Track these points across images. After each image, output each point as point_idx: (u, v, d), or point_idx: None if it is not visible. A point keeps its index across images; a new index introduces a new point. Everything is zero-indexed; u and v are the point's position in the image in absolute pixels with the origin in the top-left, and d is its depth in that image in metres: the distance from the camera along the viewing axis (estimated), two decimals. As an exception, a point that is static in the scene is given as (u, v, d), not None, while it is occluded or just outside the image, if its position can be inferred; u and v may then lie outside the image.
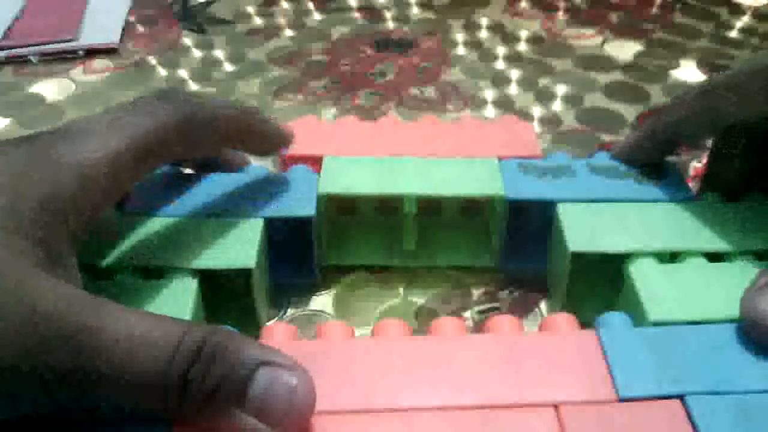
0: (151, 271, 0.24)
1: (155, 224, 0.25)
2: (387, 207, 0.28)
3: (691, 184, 0.35)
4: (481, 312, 0.28)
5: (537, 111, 0.40)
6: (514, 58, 0.46)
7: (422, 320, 0.28)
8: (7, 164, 0.19)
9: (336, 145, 0.30)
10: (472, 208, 0.29)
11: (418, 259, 0.29)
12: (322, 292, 0.29)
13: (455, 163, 0.28)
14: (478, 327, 0.27)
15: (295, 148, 0.29)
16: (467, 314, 0.28)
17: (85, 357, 0.17)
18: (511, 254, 0.28)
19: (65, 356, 0.16)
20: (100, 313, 0.17)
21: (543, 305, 0.28)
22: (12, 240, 0.17)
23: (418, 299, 0.29)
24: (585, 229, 0.25)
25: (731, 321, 0.22)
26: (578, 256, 0.24)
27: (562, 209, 0.26)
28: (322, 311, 0.28)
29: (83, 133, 0.21)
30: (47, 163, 0.19)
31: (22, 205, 0.18)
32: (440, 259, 0.29)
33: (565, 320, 0.22)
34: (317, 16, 0.51)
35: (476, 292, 0.29)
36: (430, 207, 0.29)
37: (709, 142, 0.37)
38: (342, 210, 0.28)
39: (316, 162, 0.29)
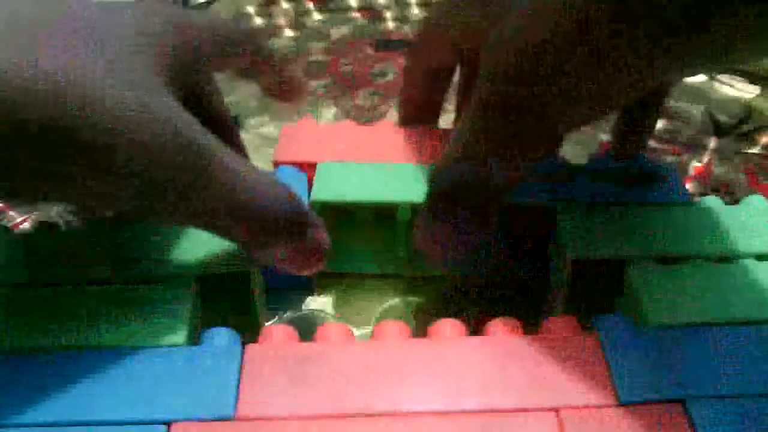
0: (149, 278, 0.23)
1: (149, 232, 0.25)
2: (382, 214, 0.28)
3: (691, 184, 0.35)
4: (480, 312, 0.28)
5: (537, 111, 0.40)
6: (514, 58, 0.45)
7: (422, 319, 0.28)
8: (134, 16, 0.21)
9: (330, 150, 0.29)
10: None
11: (413, 267, 0.29)
12: (322, 291, 0.29)
13: None
14: (478, 327, 0.27)
15: (289, 154, 0.29)
16: (467, 314, 0.28)
17: (220, 184, 0.20)
18: (510, 260, 0.28)
19: (203, 180, 0.20)
20: (231, 154, 0.21)
21: (543, 306, 0.28)
22: (156, 72, 0.20)
23: (418, 299, 0.29)
24: (584, 234, 0.25)
25: (732, 324, 0.22)
26: (578, 262, 0.24)
27: (561, 214, 0.26)
28: (321, 311, 0.28)
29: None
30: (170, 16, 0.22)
31: (159, 49, 0.21)
32: (436, 267, 0.29)
33: (565, 323, 0.22)
34: (317, 16, 0.51)
35: (476, 292, 0.29)
36: None
37: (710, 142, 0.37)
38: (336, 216, 0.28)
39: (310, 168, 0.29)
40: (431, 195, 0.23)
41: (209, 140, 0.21)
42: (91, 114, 0.18)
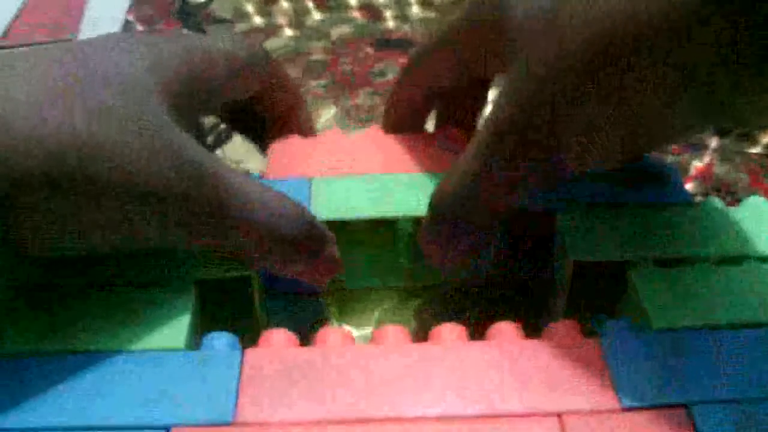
0: (149, 282, 0.23)
1: None
2: (380, 225, 0.27)
3: (692, 184, 0.35)
4: (481, 312, 0.28)
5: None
6: (515, 58, 0.45)
7: (422, 320, 0.28)
8: (149, 42, 0.22)
9: (322, 163, 0.28)
10: None
11: (414, 278, 0.29)
12: (322, 292, 0.29)
13: None
14: (478, 328, 0.27)
15: (280, 170, 0.28)
16: (467, 314, 0.28)
17: (222, 197, 0.21)
18: (511, 265, 0.28)
19: (205, 194, 0.21)
20: (232, 170, 0.22)
21: (544, 308, 0.28)
22: (160, 101, 0.21)
23: (418, 299, 0.29)
24: (586, 237, 0.25)
25: (736, 327, 0.21)
26: (579, 265, 0.24)
27: (561, 217, 0.25)
28: (321, 312, 0.28)
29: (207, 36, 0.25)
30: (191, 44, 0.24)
31: (169, 77, 0.22)
32: (437, 276, 0.29)
33: (567, 327, 0.22)
34: (317, 15, 0.51)
35: (477, 292, 0.29)
36: None
37: (711, 142, 0.37)
38: (332, 230, 0.26)
39: None
40: (434, 214, 0.24)
41: (219, 166, 0.21)
42: (99, 161, 0.19)
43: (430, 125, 0.31)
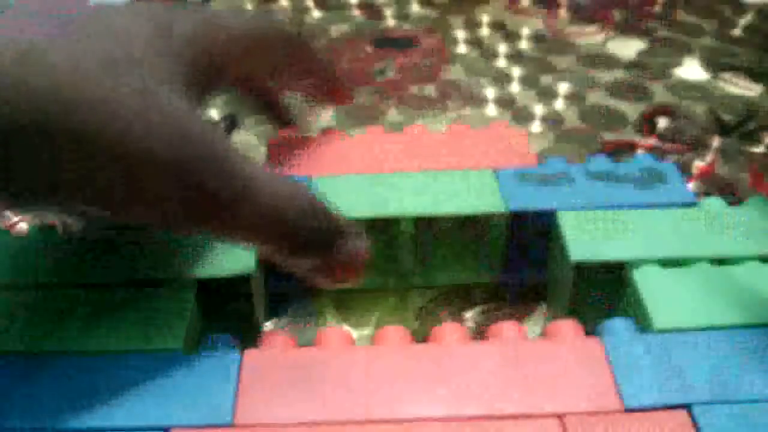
0: (149, 282, 0.23)
1: (150, 235, 0.25)
2: (380, 225, 0.27)
3: (694, 184, 0.35)
4: (482, 312, 0.28)
5: (538, 109, 0.40)
6: (515, 56, 0.45)
7: (423, 320, 0.28)
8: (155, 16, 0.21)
9: (322, 162, 0.28)
10: (470, 222, 0.28)
11: (414, 278, 0.29)
12: (322, 292, 0.29)
13: (451, 178, 0.27)
14: (479, 327, 0.27)
15: (278, 169, 0.28)
16: (468, 314, 0.28)
17: (227, 176, 0.19)
18: (511, 265, 0.28)
19: (211, 173, 0.19)
20: (238, 152, 0.20)
21: (545, 309, 0.28)
22: (168, 69, 0.20)
23: (419, 299, 0.29)
24: (587, 238, 0.25)
25: (738, 327, 0.21)
26: (581, 266, 0.24)
27: (562, 218, 0.25)
28: (321, 312, 0.28)
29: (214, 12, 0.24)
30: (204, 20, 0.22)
31: (179, 47, 0.21)
32: (439, 278, 0.28)
33: (569, 327, 0.22)
34: (316, 13, 0.51)
35: (477, 292, 0.29)
36: (426, 224, 0.27)
37: (714, 141, 0.37)
38: None
39: None
40: None
41: (226, 145, 0.20)
42: (84, 112, 0.17)
43: (430, 125, 0.31)
